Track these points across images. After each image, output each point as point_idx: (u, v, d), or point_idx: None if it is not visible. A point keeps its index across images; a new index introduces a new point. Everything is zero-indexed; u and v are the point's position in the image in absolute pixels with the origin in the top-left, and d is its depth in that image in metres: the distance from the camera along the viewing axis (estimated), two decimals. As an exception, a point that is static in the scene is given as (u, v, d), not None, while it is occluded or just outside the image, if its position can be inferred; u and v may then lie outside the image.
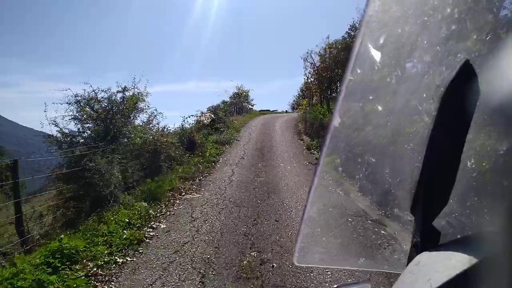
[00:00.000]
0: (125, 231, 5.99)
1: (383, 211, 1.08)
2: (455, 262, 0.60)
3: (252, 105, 42.50)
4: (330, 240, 1.09)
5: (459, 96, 0.67)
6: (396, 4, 0.91)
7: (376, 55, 0.87)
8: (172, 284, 4.37)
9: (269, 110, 46.21)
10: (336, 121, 0.90)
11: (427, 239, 0.74)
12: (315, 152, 14.35)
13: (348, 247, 1.19)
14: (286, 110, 46.64)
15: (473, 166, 0.85)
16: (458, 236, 0.77)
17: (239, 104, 37.48)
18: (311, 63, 26.38)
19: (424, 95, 0.87)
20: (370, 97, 1.01)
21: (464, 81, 0.66)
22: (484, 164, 0.87)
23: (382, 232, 1.08)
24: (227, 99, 35.25)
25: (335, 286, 0.94)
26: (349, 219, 1.07)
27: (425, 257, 0.69)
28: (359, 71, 0.88)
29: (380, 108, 1.01)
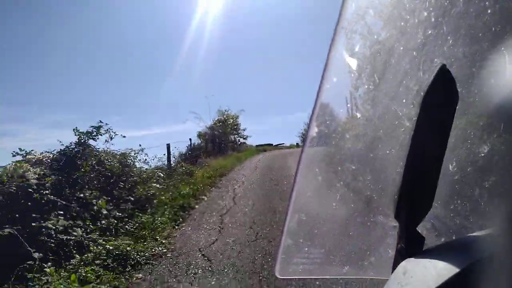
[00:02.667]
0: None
1: (366, 218, 1.07)
2: (441, 269, 0.59)
3: (244, 138, 29.16)
4: (313, 250, 1.08)
5: (438, 100, 0.67)
6: (372, 10, 0.91)
7: (352, 62, 0.86)
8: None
9: (271, 145, 34.12)
10: (312, 130, 0.89)
11: (412, 245, 0.74)
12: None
13: (332, 256, 1.18)
14: (297, 143, 34.17)
15: (455, 169, 0.85)
16: (443, 240, 0.77)
17: (222, 137, 24.41)
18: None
19: (404, 101, 0.87)
20: (348, 105, 1.01)
21: (442, 86, 0.66)
22: (466, 167, 0.88)
23: (366, 239, 1.08)
24: (203, 128, 23.56)
25: None
26: (332, 228, 1.06)
27: (411, 264, 0.69)
28: (335, 79, 0.88)
29: (358, 115, 1.00)
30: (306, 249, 1.05)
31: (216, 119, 25.61)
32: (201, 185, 11.19)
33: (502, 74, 0.61)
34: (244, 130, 28.94)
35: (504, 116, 0.61)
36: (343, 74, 0.91)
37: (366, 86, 0.97)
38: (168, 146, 14.82)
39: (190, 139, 20.83)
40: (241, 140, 28.94)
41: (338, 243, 1.17)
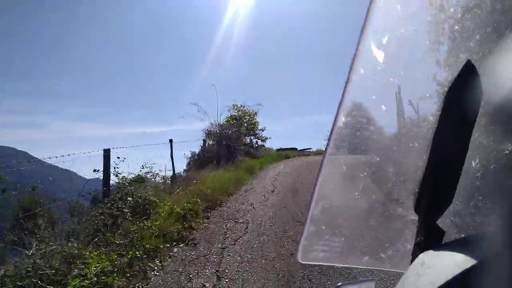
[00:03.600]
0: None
1: (387, 210, 1.09)
2: (459, 261, 0.60)
3: (263, 140, 23.72)
4: (334, 238, 1.10)
5: (462, 96, 0.67)
6: (400, 4, 0.91)
7: (379, 55, 0.87)
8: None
9: (295, 149, 29.53)
10: (340, 120, 0.90)
11: (431, 238, 0.74)
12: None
13: (352, 245, 1.20)
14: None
15: (478, 166, 0.85)
16: (462, 235, 0.77)
17: (234, 138, 18.90)
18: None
19: (427, 95, 0.88)
20: (373, 97, 1.01)
21: (466, 81, 0.66)
22: (488, 164, 0.87)
23: (386, 231, 1.09)
24: (208, 126, 18.16)
25: (339, 283, 0.94)
26: (354, 218, 1.08)
27: (429, 256, 0.69)
28: (362, 71, 0.89)
29: (383, 107, 1.01)
30: (328, 236, 1.07)
31: (229, 116, 20.89)
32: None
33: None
34: (262, 130, 23.20)
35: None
36: (370, 66, 0.92)
37: (392, 79, 0.97)
38: (171, 151, 11.26)
39: (204, 140, 17.10)
40: (259, 142, 23.65)
41: (358, 233, 1.19)
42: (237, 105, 21.89)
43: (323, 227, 1.07)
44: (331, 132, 0.89)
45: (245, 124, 21.18)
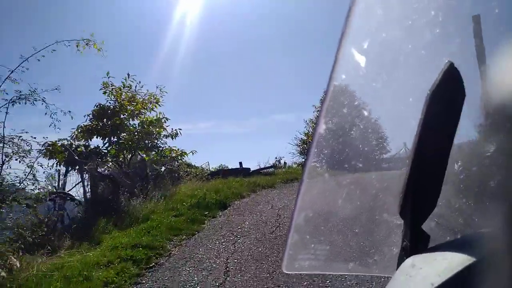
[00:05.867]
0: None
1: (371, 216, 1.08)
2: (446, 265, 0.60)
3: (180, 156, 13.39)
4: (319, 246, 1.09)
5: (445, 99, 0.67)
6: (380, 8, 0.91)
7: (361, 60, 0.87)
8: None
9: (248, 171, 17.16)
10: (321, 127, 0.89)
11: (416, 243, 0.74)
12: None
13: (338, 253, 1.19)
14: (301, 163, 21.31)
15: (461, 168, 0.86)
16: (448, 239, 0.77)
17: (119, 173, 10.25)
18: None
19: (410, 99, 0.88)
20: (356, 103, 1.01)
21: (449, 84, 0.66)
22: (471, 166, 0.88)
23: (371, 236, 1.08)
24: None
25: None
26: (338, 225, 1.07)
27: (418, 259, 0.69)
28: (343, 76, 0.88)
29: (366, 113, 1.01)
30: (312, 245, 1.06)
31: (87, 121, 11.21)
32: None
33: (509, 73, 0.62)
34: (173, 135, 12.52)
35: (509, 115, 0.62)
36: (351, 71, 0.91)
37: (374, 84, 0.97)
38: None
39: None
40: (174, 163, 13.94)
41: (343, 240, 1.18)
42: (112, 85, 11.37)
43: (307, 236, 1.05)
44: (313, 140, 0.88)
45: (142, 132, 11.80)
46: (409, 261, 0.71)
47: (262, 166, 19.05)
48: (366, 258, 1.14)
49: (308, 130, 24.34)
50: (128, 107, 11.65)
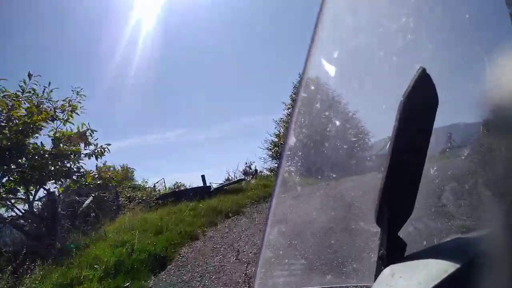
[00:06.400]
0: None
1: (347, 225, 1.06)
2: (426, 273, 0.59)
3: (110, 179, 9.93)
4: (294, 261, 1.06)
5: (418, 105, 0.66)
6: (350, 16, 0.90)
7: (330, 69, 0.85)
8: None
9: (206, 189, 13.98)
10: (291, 140, 0.87)
11: (393, 251, 0.73)
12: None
13: (314, 266, 1.16)
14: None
15: (436, 173, 0.85)
16: (424, 243, 0.77)
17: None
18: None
19: (384, 107, 0.87)
20: (326, 113, 1.00)
21: (421, 90, 0.65)
22: (446, 170, 0.88)
23: (348, 246, 1.06)
24: None
25: None
26: (313, 237, 1.05)
27: (395, 269, 0.68)
28: (312, 87, 0.87)
29: (337, 123, 1.00)
30: (287, 260, 1.03)
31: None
32: None
33: (482, 77, 0.62)
34: (97, 155, 9.42)
35: (485, 119, 0.61)
36: (321, 81, 0.90)
37: (345, 92, 0.96)
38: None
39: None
40: (110, 190, 11.56)
41: (319, 252, 1.16)
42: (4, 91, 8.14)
43: (281, 252, 1.02)
44: (283, 152, 0.87)
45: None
46: (387, 270, 0.70)
47: (231, 177, 17.86)
48: (343, 269, 1.13)
49: (279, 130, 22.95)
50: (26, 120, 8.13)
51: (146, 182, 18.87)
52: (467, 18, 0.80)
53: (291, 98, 22.40)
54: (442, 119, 0.68)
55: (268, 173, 20.34)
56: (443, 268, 0.59)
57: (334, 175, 1.05)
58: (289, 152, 0.88)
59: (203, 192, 12.95)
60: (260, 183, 14.49)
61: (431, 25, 0.83)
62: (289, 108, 22.33)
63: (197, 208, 10.26)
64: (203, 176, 16.19)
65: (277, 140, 22.71)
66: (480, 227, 0.57)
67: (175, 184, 17.85)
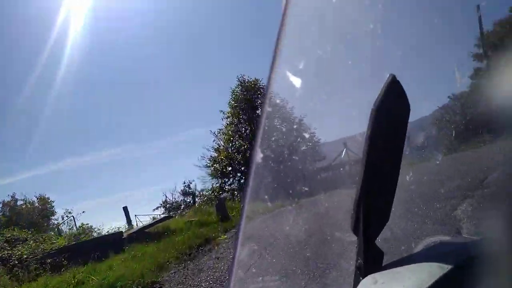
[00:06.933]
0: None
1: (323, 236, 1.05)
2: (405, 283, 0.57)
3: None
4: (268, 278, 1.03)
5: (390, 113, 0.65)
6: (315, 25, 0.89)
7: (296, 81, 0.84)
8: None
9: (120, 238, 9.44)
10: (258, 156, 0.85)
11: (371, 260, 0.72)
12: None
13: (290, 279, 1.13)
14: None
15: (412, 178, 0.85)
16: (402, 248, 0.76)
17: None
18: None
19: (354, 114, 0.86)
20: (295, 126, 0.97)
21: (392, 98, 0.64)
22: (422, 175, 0.88)
23: (324, 257, 1.05)
24: None
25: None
26: (287, 252, 1.03)
27: (374, 279, 0.66)
28: (277, 101, 0.84)
29: (306, 135, 0.98)
30: (260, 278, 1.00)
31: None
32: None
33: (453, 82, 0.61)
34: None
35: (457, 123, 0.61)
36: (287, 94, 0.88)
37: (313, 104, 0.94)
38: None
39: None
40: None
41: (294, 266, 1.13)
42: None
43: (254, 270, 0.99)
44: (250, 167, 0.83)
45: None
46: (365, 281, 0.68)
47: (169, 199, 16.78)
48: (320, 280, 1.10)
49: (218, 143, 19.70)
50: None
51: (70, 212, 15.02)
52: (436, 24, 0.81)
53: (229, 105, 19.87)
54: (414, 124, 0.67)
55: (210, 194, 18.17)
56: (421, 277, 0.57)
57: (306, 188, 1.03)
58: (256, 169, 0.84)
59: (113, 243, 9.16)
60: (196, 219, 10.34)
61: (400, 31, 0.84)
62: (228, 117, 19.79)
63: (86, 282, 6.50)
64: (125, 209, 13.23)
65: (216, 155, 19.30)
66: (458, 231, 0.56)
67: (80, 227, 13.89)
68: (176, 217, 12.02)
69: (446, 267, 0.58)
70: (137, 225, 13.74)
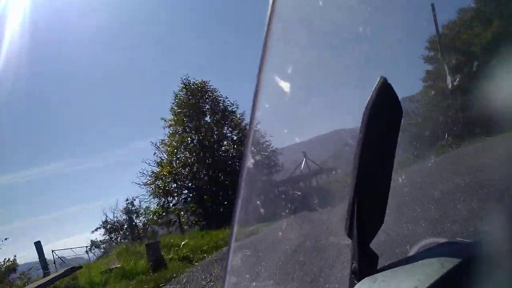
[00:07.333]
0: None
1: (317, 241, 1.04)
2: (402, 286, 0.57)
3: None
4: (261, 284, 1.02)
5: (382, 116, 0.65)
6: (303, 29, 0.89)
7: (285, 86, 0.83)
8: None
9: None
10: (249, 162, 0.84)
11: (366, 265, 0.72)
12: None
13: (284, 285, 1.13)
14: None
15: (405, 181, 0.85)
16: (397, 251, 0.76)
17: None
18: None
19: (345, 119, 0.86)
20: (285, 131, 0.97)
21: (384, 100, 0.65)
22: (415, 177, 0.88)
23: (319, 262, 1.04)
24: None
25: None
26: (281, 257, 1.02)
27: (369, 283, 0.66)
28: (267, 105, 0.84)
29: (297, 139, 0.98)
30: (254, 284, 0.99)
31: None
32: None
33: (446, 85, 0.62)
34: None
35: (450, 125, 0.61)
36: (276, 99, 0.87)
37: (303, 109, 0.94)
38: None
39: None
40: None
41: (288, 271, 1.12)
42: None
43: (247, 276, 0.98)
44: (241, 175, 0.82)
45: None
46: (361, 284, 0.67)
47: (110, 219, 15.17)
48: (314, 285, 1.10)
49: (160, 157, 17.45)
50: None
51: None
52: (425, 27, 0.81)
53: (172, 111, 17.78)
54: (406, 127, 0.67)
55: (152, 215, 16.83)
56: (417, 280, 0.57)
57: (299, 193, 1.03)
58: (246, 176, 0.83)
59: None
60: (118, 266, 7.62)
61: (390, 35, 0.84)
62: (170, 125, 17.66)
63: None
64: (37, 244, 10.73)
65: (159, 170, 17.11)
66: (452, 232, 0.56)
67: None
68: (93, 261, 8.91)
69: (442, 270, 0.58)
70: (54, 262, 11.29)
